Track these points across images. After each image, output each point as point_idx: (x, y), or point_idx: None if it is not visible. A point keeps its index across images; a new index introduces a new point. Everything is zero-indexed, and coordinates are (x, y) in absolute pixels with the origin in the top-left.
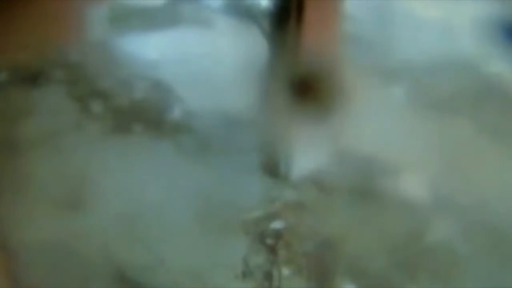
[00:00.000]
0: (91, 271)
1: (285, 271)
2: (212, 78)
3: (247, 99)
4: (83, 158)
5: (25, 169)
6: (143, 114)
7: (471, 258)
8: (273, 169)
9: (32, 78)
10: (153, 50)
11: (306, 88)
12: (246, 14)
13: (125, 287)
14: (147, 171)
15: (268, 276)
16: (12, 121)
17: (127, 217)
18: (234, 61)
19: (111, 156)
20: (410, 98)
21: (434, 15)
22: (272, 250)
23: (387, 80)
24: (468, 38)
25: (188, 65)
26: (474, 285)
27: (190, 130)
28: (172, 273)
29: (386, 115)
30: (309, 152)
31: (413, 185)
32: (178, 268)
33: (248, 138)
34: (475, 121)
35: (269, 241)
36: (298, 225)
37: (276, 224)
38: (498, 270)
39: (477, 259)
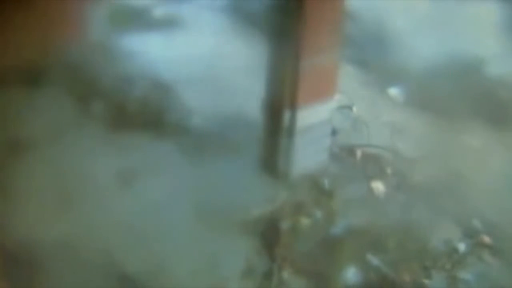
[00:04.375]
0: (91, 271)
1: (285, 270)
2: (212, 78)
3: (247, 98)
4: (83, 158)
5: (25, 169)
6: (143, 114)
7: None
8: (272, 168)
9: (32, 78)
10: (153, 50)
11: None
12: (246, 14)
13: (126, 287)
14: (147, 170)
15: (268, 275)
16: (12, 121)
17: (128, 217)
18: (234, 61)
19: (111, 156)
20: (409, 98)
21: (435, 15)
22: (272, 250)
23: (387, 80)
24: (470, 38)
25: (188, 65)
26: None
27: (190, 130)
28: (172, 272)
29: (385, 115)
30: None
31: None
32: (178, 267)
33: (247, 137)
34: (475, 122)
35: (269, 240)
36: (298, 224)
37: (276, 224)
38: None
39: None
